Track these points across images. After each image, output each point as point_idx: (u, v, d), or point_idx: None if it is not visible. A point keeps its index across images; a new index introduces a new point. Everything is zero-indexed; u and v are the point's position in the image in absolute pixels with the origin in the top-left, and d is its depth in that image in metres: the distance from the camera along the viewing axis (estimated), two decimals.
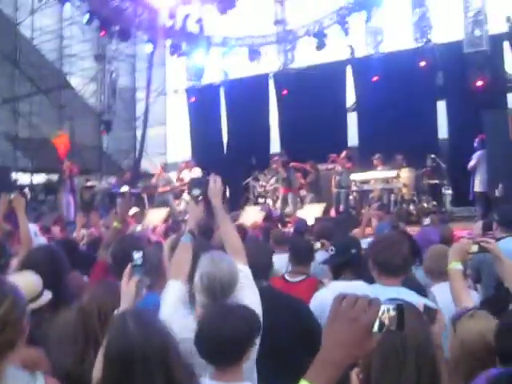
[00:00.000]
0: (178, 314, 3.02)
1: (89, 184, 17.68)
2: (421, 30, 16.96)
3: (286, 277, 4.84)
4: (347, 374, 2.14)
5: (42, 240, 6.84)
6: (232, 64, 21.17)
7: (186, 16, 19.56)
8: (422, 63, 16.04)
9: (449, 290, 3.30)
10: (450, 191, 15.43)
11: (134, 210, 11.93)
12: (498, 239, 4.19)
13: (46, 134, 19.34)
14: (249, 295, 3.09)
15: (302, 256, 4.93)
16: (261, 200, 16.52)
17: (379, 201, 13.33)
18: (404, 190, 13.54)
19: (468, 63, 14.65)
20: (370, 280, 3.69)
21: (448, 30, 16.65)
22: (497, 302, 3.49)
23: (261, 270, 3.56)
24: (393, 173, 13.58)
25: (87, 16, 18.10)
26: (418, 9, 17.00)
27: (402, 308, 1.45)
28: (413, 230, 8.39)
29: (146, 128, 22.01)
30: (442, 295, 3.55)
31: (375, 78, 16.79)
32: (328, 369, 1.47)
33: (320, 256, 5.38)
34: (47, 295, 3.08)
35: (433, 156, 14.54)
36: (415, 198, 13.62)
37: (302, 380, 1.48)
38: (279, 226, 11.63)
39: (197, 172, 15.75)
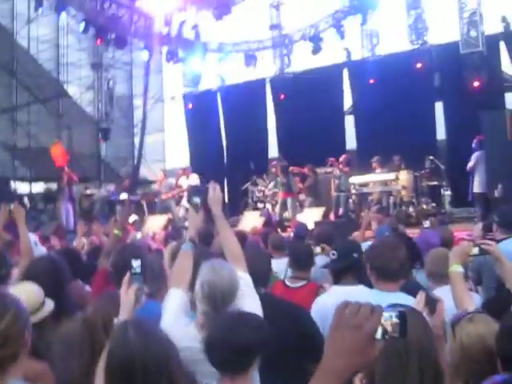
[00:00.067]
0: (179, 323, 3.01)
1: (88, 192, 17.65)
2: (416, 32, 17.00)
3: (287, 282, 4.84)
4: (351, 381, 2.14)
5: (42, 249, 6.83)
6: (228, 70, 21.23)
7: (182, 23, 19.63)
8: (419, 65, 16.06)
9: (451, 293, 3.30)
10: (448, 192, 15.44)
11: (133, 218, 11.94)
12: (498, 241, 4.19)
13: (44, 143, 19.34)
14: (249, 303, 3.09)
15: (302, 261, 4.92)
16: (260, 205, 16.54)
17: (378, 203, 13.34)
18: (403, 192, 13.55)
19: (464, 64, 14.66)
20: (371, 284, 3.69)
21: (444, 31, 16.69)
22: (498, 303, 3.50)
23: (259, 277, 3.55)
24: (391, 175, 13.59)
25: (83, 25, 18.11)
26: (414, 11, 17.04)
27: (404, 315, 1.46)
28: (412, 233, 8.42)
29: (144, 135, 22.01)
30: (444, 298, 3.54)
31: (372, 81, 16.83)
32: (331, 377, 1.47)
33: (320, 260, 5.38)
34: (49, 306, 3.07)
35: (431, 157, 14.55)
36: (414, 200, 13.63)
37: None
38: (279, 230, 11.62)
39: (194, 178, 15.77)
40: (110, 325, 2.72)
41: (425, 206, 13.56)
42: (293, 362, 3.44)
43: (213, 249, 5.35)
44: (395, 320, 1.45)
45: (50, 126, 20.67)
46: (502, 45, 15.38)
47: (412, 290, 3.44)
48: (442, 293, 3.83)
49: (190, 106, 21.71)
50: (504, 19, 15.27)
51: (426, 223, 8.09)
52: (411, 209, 13.35)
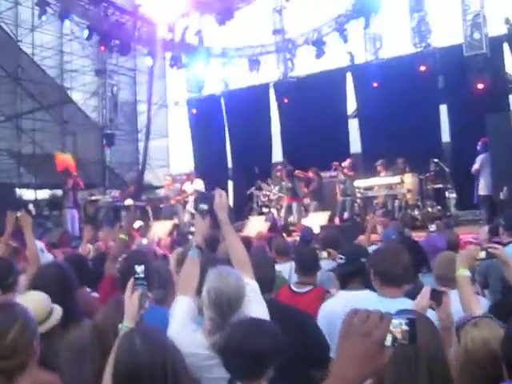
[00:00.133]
0: (186, 329, 3.01)
1: (93, 198, 17.69)
2: (420, 35, 17.00)
3: (293, 287, 4.82)
4: None
5: (48, 257, 6.85)
6: (232, 74, 21.28)
7: (185, 28, 19.67)
8: (422, 68, 16.04)
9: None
10: (454, 195, 15.40)
11: (138, 223, 11.93)
12: (504, 244, 4.19)
13: (49, 150, 19.40)
14: (256, 309, 3.08)
15: (307, 266, 4.92)
16: (265, 209, 16.52)
17: (383, 207, 13.30)
18: (408, 196, 13.52)
19: (468, 66, 14.64)
20: (375, 289, 3.68)
21: (447, 33, 16.70)
22: (504, 306, 3.49)
23: (264, 283, 3.54)
24: (396, 178, 13.56)
25: (87, 31, 18.21)
26: (417, 13, 17.05)
27: (413, 321, 1.46)
28: (418, 236, 8.41)
29: (148, 140, 22.06)
30: (452, 302, 3.53)
31: (376, 85, 16.81)
32: None
33: (326, 265, 5.38)
34: (57, 314, 3.07)
35: (436, 160, 14.50)
36: (419, 203, 13.60)
37: None
38: (284, 235, 11.61)
39: (198, 184, 15.78)
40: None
41: (430, 209, 13.52)
42: (297, 369, 3.43)
43: (218, 254, 5.36)
44: (404, 327, 1.45)
45: (54, 132, 20.75)
46: (506, 47, 15.33)
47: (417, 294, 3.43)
48: (450, 297, 3.83)
49: (194, 111, 21.73)
50: (507, 21, 15.22)
51: (432, 227, 8.06)
52: (416, 212, 13.30)
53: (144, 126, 22.68)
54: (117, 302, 2.94)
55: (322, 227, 11.06)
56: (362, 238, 8.11)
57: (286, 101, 19.20)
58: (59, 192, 18.38)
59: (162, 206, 17.14)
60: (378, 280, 3.54)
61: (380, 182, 13.92)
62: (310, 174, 15.08)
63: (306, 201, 15.32)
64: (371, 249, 5.10)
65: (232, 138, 20.89)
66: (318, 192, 14.92)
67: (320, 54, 18.46)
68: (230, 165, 21.08)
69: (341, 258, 4.25)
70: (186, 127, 22.40)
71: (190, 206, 15.22)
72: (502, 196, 11.20)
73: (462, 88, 14.83)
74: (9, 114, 19.90)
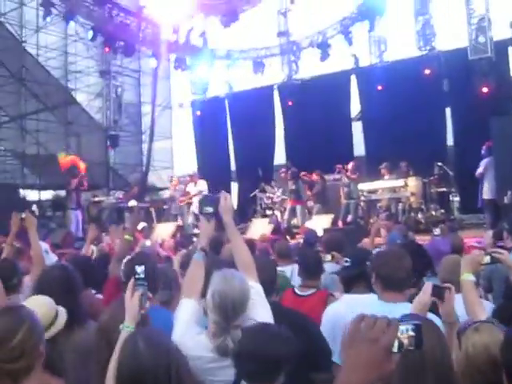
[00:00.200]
0: (190, 332, 3.01)
1: (96, 199, 17.70)
2: (424, 38, 17.00)
3: (296, 290, 4.82)
4: None
5: (52, 258, 6.85)
6: (236, 76, 21.29)
7: (190, 30, 19.69)
8: (427, 71, 16.04)
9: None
10: (457, 199, 15.38)
11: (142, 225, 11.94)
12: (509, 249, 4.18)
13: (53, 151, 19.42)
14: (261, 313, 3.08)
15: (311, 269, 4.90)
16: (268, 212, 16.51)
17: (387, 210, 13.30)
18: (412, 199, 13.49)
19: (473, 70, 14.64)
20: None
21: (452, 37, 16.67)
22: (506, 310, 3.49)
23: (265, 286, 3.54)
24: (400, 182, 13.54)
25: (91, 32, 18.24)
26: (421, 17, 17.04)
27: (420, 327, 1.46)
28: (422, 240, 8.39)
29: (152, 142, 22.08)
30: (456, 306, 3.53)
31: (380, 87, 16.82)
32: None
33: (330, 267, 5.37)
34: (62, 318, 3.07)
35: (439, 164, 14.48)
36: (423, 207, 13.57)
37: None
38: (287, 237, 11.61)
39: (202, 185, 15.78)
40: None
41: (434, 213, 13.51)
42: (299, 372, 3.42)
43: (222, 257, 5.35)
44: (411, 333, 1.45)
45: (58, 133, 20.79)
46: (511, 50, 15.34)
47: None
48: (458, 300, 3.83)
49: (198, 113, 21.76)
50: None
51: (436, 230, 8.05)
52: (420, 215, 13.29)
53: (148, 128, 22.71)
54: (122, 302, 2.95)
55: (326, 230, 11.04)
56: (365, 241, 8.11)
57: (290, 103, 19.20)
58: (63, 193, 18.41)
59: (165, 207, 17.15)
60: (379, 284, 3.52)
61: (384, 185, 13.91)
62: (315, 177, 15.07)
63: (310, 203, 15.30)
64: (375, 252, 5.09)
65: (236, 140, 20.91)
66: (321, 195, 14.91)
67: (324, 56, 18.48)
68: (232, 167, 21.11)
69: (346, 261, 4.24)
70: (190, 129, 22.44)
71: (193, 208, 15.22)
72: (506, 200, 11.18)
73: (467, 92, 14.83)
74: (13, 115, 19.94)
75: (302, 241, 9.03)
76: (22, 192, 19.12)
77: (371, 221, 12.31)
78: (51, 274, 3.58)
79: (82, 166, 16.61)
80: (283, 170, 16.35)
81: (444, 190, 14.36)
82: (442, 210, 13.80)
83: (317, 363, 3.40)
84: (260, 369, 2.54)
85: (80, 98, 21.99)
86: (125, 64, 21.94)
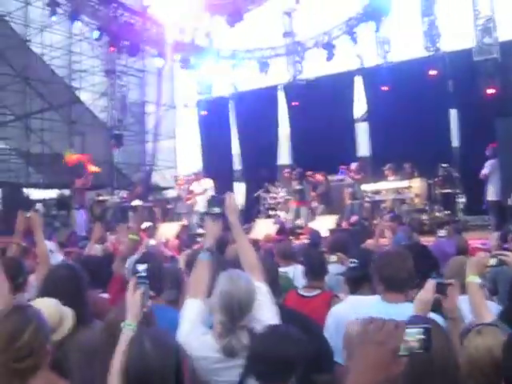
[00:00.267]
0: (196, 332, 3.02)
1: (100, 199, 17.71)
2: (430, 39, 16.98)
3: (300, 291, 4.81)
4: None
5: (57, 257, 6.85)
6: (241, 77, 21.27)
7: (195, 30, 19.68)
8: (432, 72, 16.01)
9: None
10: (462, 200, 15.32)
11: (146, 224, 11.93)
12: None
13: (57, 150, 19.47)
14: (267, 313, 3.09)
15: (316, 270, 4.90)
16: (272, 212, 16.50)
17: (391, 211, 13.27)
18: (416, 200, 13.48)
19: (478, 71, 14.61)
20: None
21: (457, 38, 16.63)
22: (510, 312, 3.48)
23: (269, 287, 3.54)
24: (404, 183, 13.53)
25: (96, 32, 18.25)
26: (427, 17, 17.02)
27: (429, 331, 1.45)
28: (427, 241, 8.36)
29: (157, 141, 22.08)
30: (462, 308, 3.52)
31: (385, 88, 16.79)
32: None
33: (335, 269, 5.36)
34: (68, 322, 3.07)
35: (444, 165, 14.45)
36: (427, 208, 13.55)
37: None
38: (291, 238, 11.61)
39: (207, 183, 15.76)
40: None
41: (438, 214, 13.49)
42: (301, 373, 3.42)
43: (227, 256, 5.36)
44: (420, 336, 1.45)
45: (63, 132, 20.82)
46: None
47: None
48: (465, 301, 3.81)
49: (203, 112, 21.76)
50: None
51: (441, 232, 8.01)
52: (424, 217, 13.28)
53: (152, 127, 22.72)
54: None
55: (331, 231, 11.04)
56: (370, 242, 8.09)
57: (294, 103, 19.20)
58: (67, 192, 18.44)
59: (169, 206, 17.14)
60: (382, 285, 3.52)
61: (388, 187, 13.89)
62: (319, 178, 15.06)
63: (314, 204, 15.30)
64: None
65: (240, 140, 20.92)
66: (325, 195, 14.90)
67: (330, 56, 18.44)
68: (236, 167, 21.13)
69: (352, 262, 4.23)
70: (194, 129, 22.45)
71: (198, 207, 15.23)
72: (510, 202, 11.16)
73: (472, 93, 14.78)
74: (18, 114, 19.97)
75: (306, 241, 9.04)
76: (26, 191, 19.14)
77: (375, 222, 12.29)
78: (58, 274, 3.58)
79: (93, 168, 16.64)
80: (287, 170, 16.35)
81: (449, 191, 14.30)
82: (447, 212, 13.77)
83: (319, 365, 3.40)
84: (273, 370, 2.55)
85: (84, 97, 22.02)
86: (129, 63, 21.96)
